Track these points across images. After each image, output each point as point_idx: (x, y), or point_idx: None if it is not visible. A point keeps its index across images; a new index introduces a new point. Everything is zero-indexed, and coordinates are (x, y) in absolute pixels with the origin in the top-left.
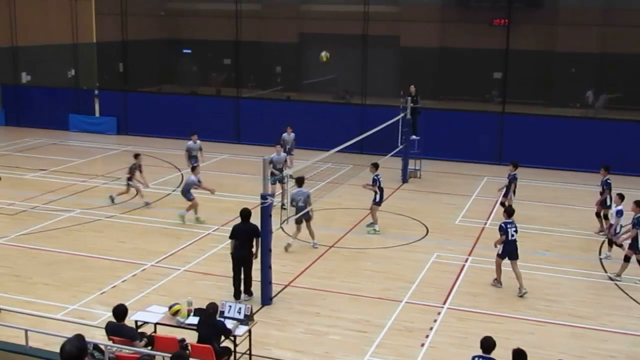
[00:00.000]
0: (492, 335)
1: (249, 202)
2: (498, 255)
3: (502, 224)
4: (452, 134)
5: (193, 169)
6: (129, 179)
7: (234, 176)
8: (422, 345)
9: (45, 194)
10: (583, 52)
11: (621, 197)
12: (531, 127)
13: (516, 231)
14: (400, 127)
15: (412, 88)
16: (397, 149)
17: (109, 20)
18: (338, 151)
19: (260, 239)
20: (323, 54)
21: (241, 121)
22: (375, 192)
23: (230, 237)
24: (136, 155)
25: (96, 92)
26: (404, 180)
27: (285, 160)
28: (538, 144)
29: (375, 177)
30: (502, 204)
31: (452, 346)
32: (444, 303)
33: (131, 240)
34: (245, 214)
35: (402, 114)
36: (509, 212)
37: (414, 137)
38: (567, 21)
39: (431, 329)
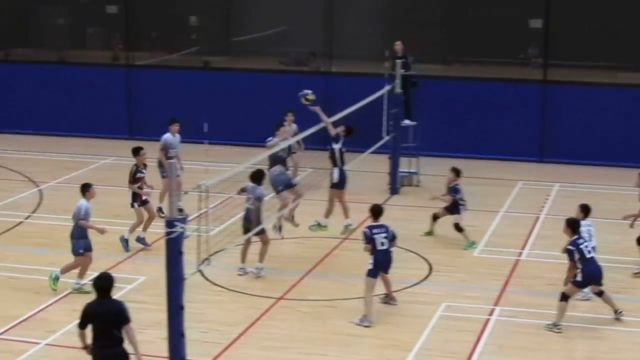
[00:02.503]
0: None
1: (149, 231)
2: (369, 272)
3: (366, 229)
4: (467, 117)
5: (85, 189)
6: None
7: (124, 190)
8: None
9: None
10: None
11: None
12: (588, 102)
13: (387, 237)
14: (385, 106)
15: (399, 46)
16: (382, 142)
17: None
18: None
19: (130, 325)
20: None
21: (135, 103)
22: (335, 165)
23: (81, 326)
24: (136, 150)
25: None
26: (394, 190)
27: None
28: (599, 128)
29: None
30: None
31: None
32: None
33: None
34: (103, 286)
35: (388, 87)
36: (376, 211)
37: (407, 122)
38: None
39: None
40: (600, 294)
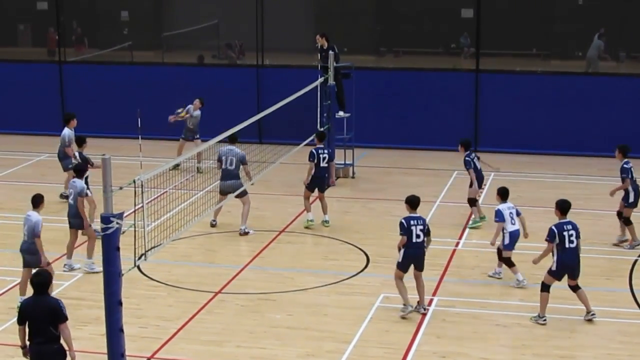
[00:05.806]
0: None
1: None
2: (399, 264)
3: (404, 220)
4: (401, 108)
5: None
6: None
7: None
8: None
9: None
10: None
11: None
12: (521, 91)
13: (423, 230)
14: (319, 98)
15: (321, 38)
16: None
17: None
18: (222, 141)
19: (66, 324)
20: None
21: (68, 99)
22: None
23: (20, 322)
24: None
25: None
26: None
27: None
28: (532, 116)
29: (315, 151)
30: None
31: None
32: None
33: None
34: (39, 282)
35: (321, 79)
36: (412, 201)
37: (341, 114)
38: None
39: None
40: (577, 288)
